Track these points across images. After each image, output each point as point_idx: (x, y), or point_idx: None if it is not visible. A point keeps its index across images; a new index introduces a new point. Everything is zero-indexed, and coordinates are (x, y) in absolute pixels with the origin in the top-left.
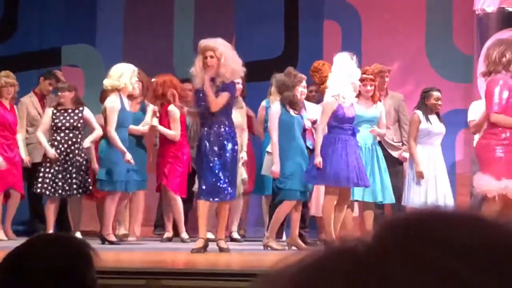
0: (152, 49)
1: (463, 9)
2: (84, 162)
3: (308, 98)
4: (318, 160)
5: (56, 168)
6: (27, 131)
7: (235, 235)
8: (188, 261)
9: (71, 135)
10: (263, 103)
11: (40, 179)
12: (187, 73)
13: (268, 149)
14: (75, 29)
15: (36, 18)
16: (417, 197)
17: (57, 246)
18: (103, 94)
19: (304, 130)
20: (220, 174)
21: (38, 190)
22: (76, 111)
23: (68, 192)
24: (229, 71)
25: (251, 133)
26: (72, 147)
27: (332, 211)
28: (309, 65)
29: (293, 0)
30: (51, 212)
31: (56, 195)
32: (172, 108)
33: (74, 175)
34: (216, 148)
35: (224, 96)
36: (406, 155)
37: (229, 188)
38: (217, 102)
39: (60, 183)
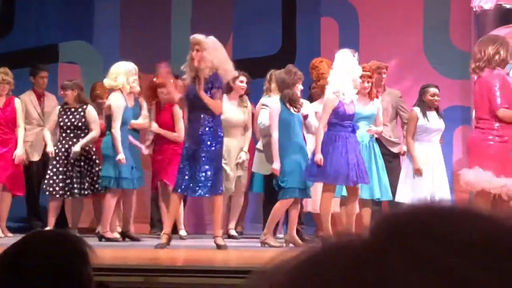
0: (149, 46)
1: (461, 6)
2: (88, 162)
3: (311, 96)
4: (319, 157)
5: (60, 168)
6: (25, 129)
7: (232, 232)
8: (186, 258)
9: (72, 135)
10: (262, 100)
11: (46, 181)
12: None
13: (259, 146)
14: (72, 26)
15: (34, 15)
16: (410, 193)
17: (54, 243)
18: (93, 91)
19: None
20: (200, 168)
21: (47, 192)
22: (79, 109)
23: (76, 191)
24: (208, 66)
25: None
26: (73, 147)
27: (330, 208)
28: (307, 62)
29: None
30: (53, 211)
31: (65, 196)
32: (177, 108)
33: (81, 175)
34: (195, 142)
35: (218, 94)
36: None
37: (208, 183)
38: (217, 105)
39: (71, 184)
